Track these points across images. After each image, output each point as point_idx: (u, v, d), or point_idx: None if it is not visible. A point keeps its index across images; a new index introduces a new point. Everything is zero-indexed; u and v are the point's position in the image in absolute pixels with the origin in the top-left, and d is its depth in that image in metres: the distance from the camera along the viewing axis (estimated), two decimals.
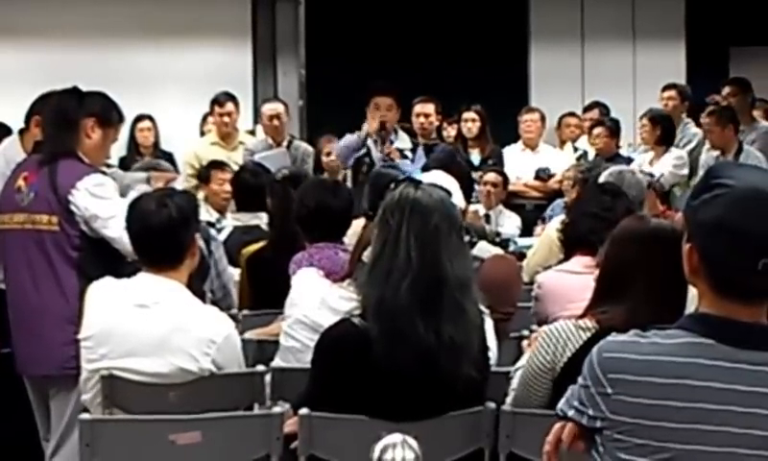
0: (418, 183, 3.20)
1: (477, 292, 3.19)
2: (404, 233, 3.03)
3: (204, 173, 6.99)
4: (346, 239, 4.47)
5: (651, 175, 7.14)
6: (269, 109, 7.96)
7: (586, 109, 9.57)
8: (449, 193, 3.28)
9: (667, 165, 7.89)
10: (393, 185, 3.23)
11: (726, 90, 8.72)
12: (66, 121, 4.32)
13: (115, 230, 4.11)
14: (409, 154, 6.99)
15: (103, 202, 4.20)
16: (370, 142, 7.01)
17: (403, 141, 7.08)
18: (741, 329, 1.93)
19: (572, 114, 9.63)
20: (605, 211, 4.26)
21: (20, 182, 4.32)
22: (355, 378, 3.07)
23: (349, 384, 3.09)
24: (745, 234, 1.89)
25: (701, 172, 7.74)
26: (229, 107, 8.18)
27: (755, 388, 1.90)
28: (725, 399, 1.90)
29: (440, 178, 4.01)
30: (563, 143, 9.43)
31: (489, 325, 3.37)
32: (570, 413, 2.03)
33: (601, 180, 5.32)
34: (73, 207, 4.20)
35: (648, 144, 8.19)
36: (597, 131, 8.47)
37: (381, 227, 3.11)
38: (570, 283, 4.09)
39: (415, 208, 3.07)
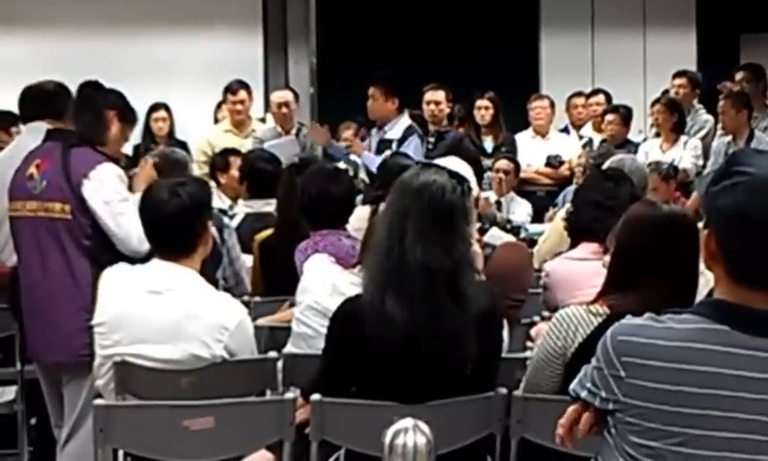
0: (421, 167, 3.20)
1: (470, 276, 3.14)
2: (381, 219, 3.10)
3: (222, 160, 6.94)
4: (349, 226, 4.49)
5: (667, 163, 7.12)
6: (278, 97, 7.98)
7: (588, 96, 9.48)
8: (461, 180, 3.23)
9: (687, 157, 7.86)
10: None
11: (739, 76, 8.67)
12: (95, 111, 4.37)
13: (118, 227, 4.19)
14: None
15: (107, 208, 4.23)
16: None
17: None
18: (756, 317, 1.92)
19: (579, 94, 9.53)
20: (608, 199, 4.22)
21: (32, 170, 4.34)
22: (354, 352, 3.09)
23: (350, 359, 3.11)
24: (763, 222, 1.89)
25: (712, 158, 7.73)
26: (242, 95, 8.19)
27: (766, 375, 1.90)
28: (737, 385, 1.90)
29: (452, 163, 4.01)
30: (574, 125, 9.36)
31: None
32: (583, 394, 2.03)
33: (604, 167, 5.28)
34: (85, 197, 4.23)
35: (663, 130, 8.13)
36: (611, 117, 8.41)
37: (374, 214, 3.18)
38: (578, 270, 4.08)
39: (398, 193, 3.09)
